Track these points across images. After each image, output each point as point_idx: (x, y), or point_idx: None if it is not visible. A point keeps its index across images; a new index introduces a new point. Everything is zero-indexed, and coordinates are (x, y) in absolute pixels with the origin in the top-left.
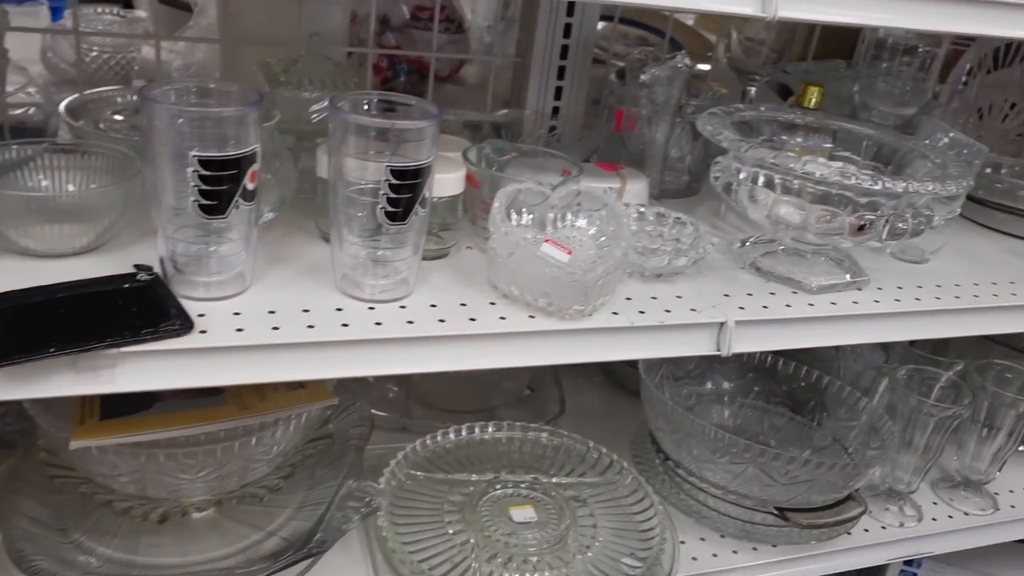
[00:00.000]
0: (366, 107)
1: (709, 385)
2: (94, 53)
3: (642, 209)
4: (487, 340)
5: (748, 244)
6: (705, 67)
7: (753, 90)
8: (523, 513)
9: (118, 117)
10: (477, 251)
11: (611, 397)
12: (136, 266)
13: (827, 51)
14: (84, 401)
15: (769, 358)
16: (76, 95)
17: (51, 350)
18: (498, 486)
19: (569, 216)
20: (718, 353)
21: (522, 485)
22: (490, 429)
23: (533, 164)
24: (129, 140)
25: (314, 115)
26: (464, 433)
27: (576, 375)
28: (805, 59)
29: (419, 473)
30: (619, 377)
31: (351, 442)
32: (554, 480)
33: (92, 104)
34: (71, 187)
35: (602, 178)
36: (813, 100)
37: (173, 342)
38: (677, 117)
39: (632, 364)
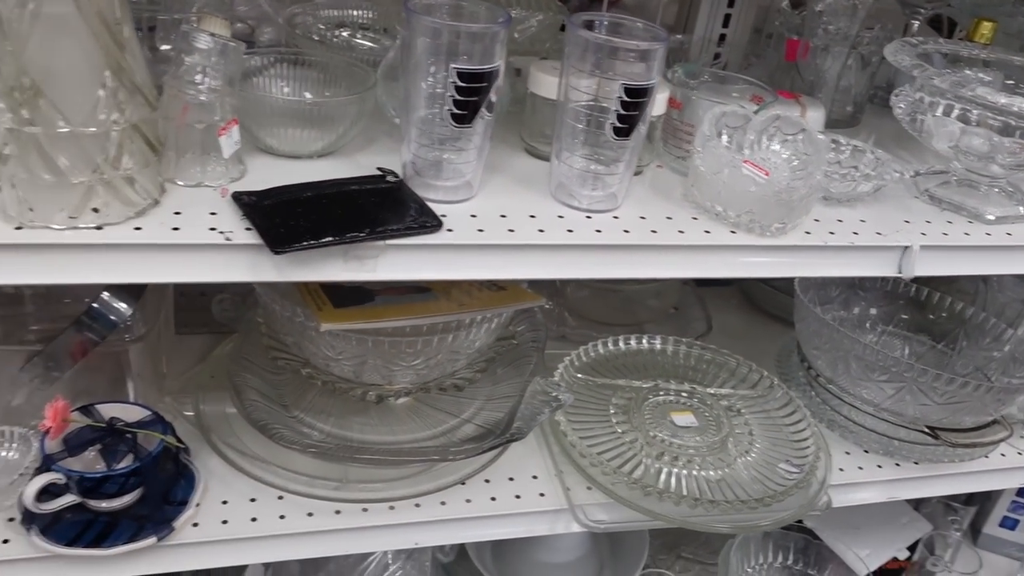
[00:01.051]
0: (599, 27)
1: (855, 311)
2: None
3: (820, 137)
4: (694, 251)
5: (921, 175)
6: None
7: (916, 24)
8: (684, 418)
9: (343, 32)
10: (667, 170)
11: (750, 318)
12: (379, 169)
13: None
14: (310, 293)
15: (913, 288)
16: (284, 11)
17: (333, 239)
18: (660, 393)
19: (764, 140)
20: (899, 275)
21: (681, 393)
22: (645, 341)
23: (723, 89)
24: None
25: (517, 34)
26: (622, 344)
27: (715, 297)
28: None
29: (584, 377)
30: (757, 300)
31: (530, 344)
32: (709, 391)
33: (298, 19)
34: (308, 95)
35: (784, 105)
36: (987, 35)
37: (426, 237)
38: (851, 48)
39: (773, 287)
